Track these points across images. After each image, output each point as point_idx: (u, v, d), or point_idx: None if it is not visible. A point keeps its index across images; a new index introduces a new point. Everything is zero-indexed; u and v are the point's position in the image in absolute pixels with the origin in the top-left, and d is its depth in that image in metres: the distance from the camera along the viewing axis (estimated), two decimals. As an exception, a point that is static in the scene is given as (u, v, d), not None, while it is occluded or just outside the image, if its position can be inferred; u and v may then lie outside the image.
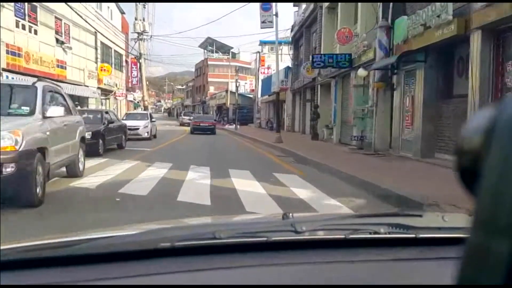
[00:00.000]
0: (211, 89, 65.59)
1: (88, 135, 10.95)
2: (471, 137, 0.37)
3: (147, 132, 18.93)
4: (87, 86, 24.85)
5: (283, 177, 8.85)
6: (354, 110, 14.10)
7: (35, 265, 0.90)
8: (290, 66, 30.64)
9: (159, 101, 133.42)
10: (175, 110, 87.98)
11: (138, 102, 57.74)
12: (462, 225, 1.04)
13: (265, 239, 1.00)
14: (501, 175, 0.33)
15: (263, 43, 42.77)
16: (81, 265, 0.90)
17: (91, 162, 10.71)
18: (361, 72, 13.09)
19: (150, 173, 9.19)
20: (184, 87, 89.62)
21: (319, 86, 20.58)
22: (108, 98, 31.28)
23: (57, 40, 21.21)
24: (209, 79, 66.72)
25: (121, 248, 0.96)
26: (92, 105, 26.68)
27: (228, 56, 68.92)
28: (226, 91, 51.47)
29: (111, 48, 31.58)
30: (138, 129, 18.36)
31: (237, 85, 37.58)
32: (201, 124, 29.19)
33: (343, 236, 1.02)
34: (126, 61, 42.50)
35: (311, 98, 24.73)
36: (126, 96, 39.02)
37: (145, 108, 36.70)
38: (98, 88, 27.83)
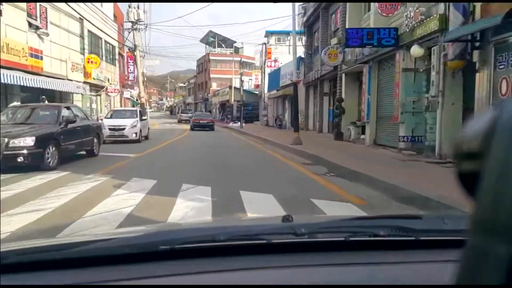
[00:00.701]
0: (214, 86, 62.04)
1: (31, 141, 7.44)
2: (471, 140, 0.37)
3: (135, 133, 15.38)
4: (71, 80, 21.32)
5: (332, 208, 5.32)
6: (403, 103, 10.55)
7: (34, 268, 0.89)
8: (302, 56, 27.04)
9: (161, 99, 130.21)
10: (176, 108, 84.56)
11: (137, 100, 54.37)
12: (462, 228, 1.00)
13: (265, 241, 0.99)
14: (501, 177, 0.33)
15: (269, 33, 39.14)
16: (80, 267, 0.90)
17: (31, 181, 7.18)
18: (416, 50, 9.52)
19: (116, 201, 5.65)
20: (186, 84, 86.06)
21: (343, 75, 16.95)
22: (99, 95, 27.76)
23: (30, 24, 17.63)
24: (212, 75, 63.14)
25: (121, 251, 0.95)
26: (78, 101, 23.16)
27: (231, 51, 65.35)
28: (230, 87, 47.88)
29: (101, 39, 28.02)
30: (123, 129, 14.88)
31: (242, 79, 33.89)
32: (200, 121, 30.42)
33: (343, 239, 1.02)
34: (121, 55, 39.03)
35: (329, 90, 21.12)
36: (121, 93, 35.47)
37: (142, 105, 33.18)
38: (86, 83, 24.32)
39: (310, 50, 24.73)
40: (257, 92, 47.76)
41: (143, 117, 16.47)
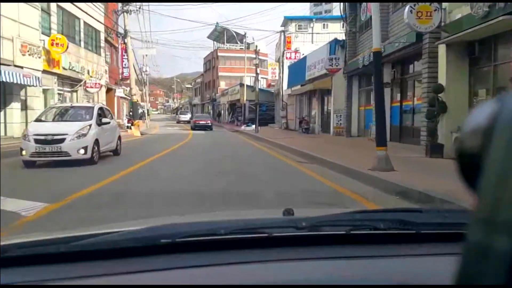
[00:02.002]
0: (222, 85, 55.33)
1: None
2: (472, 133, 0.36)
3: (84, 148, 8.54)
4: (21, 67, 14.72)
5: None
6: None
7: (35, 261, 0.88)
8: (339, 39, 20.19)
9: (167, 101, 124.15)
10: (189, 110, 78.18)
11: (137, 100, 47.81)
12: (462, 221, 0.97)
13: (266, 235, 0.98)
14: (503, 171, 0.32)
15: (288, 19, 32.32)
16: (81, 261, 0.89)
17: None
18: None
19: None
20: (192, 84, 79.49)
21: (442, 48, 9.99)
22: (75, 91, 21.18)
23: None
24: (220, 74, 56.43)
25: (122, 245, 0.93)
26: (37, 98, 16.52)
27: (242, 47, 58.61)
28: (241, 84, 41.11)
29: (78, 19, 21.42)
30: (62, 141, 8.16)
31: (257, 71, 27.06)
32: (200, 122, 31.83)
33: (344, 232, 1.01)
34: (114, 46, 32.48)
35: (393, 79, 14.26)
36: (108, 90, 28.82)
37: (134, 104, 26.57)
38: (50, 73, 17.72)
39: (354, 27, 17.84)
40: (271, 91, 40.98)
41: (105, 120, 9.64)
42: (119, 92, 32.38)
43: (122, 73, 33.98)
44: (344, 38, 19.51)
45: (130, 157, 10.50)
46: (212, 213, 2.71)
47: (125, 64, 34.22)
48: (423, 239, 1.02)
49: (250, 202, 5.28)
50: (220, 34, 58.33)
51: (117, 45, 32.96)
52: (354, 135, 17.72)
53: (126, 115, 27.48)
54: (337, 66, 17.85)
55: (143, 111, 37.51)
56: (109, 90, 30.92)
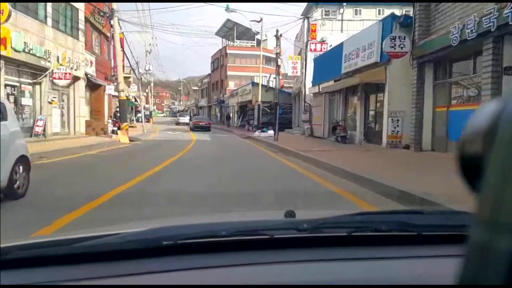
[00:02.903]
0: (231, 85, 49.84)
1: None
2: (473, 134, 0.36)
3: None
4: None
5: None
6: None
7: (37, 263, 0.87)
8: (397, 14, 14.56)
9: (174, 103, 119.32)
10: (188, 112, 72.81)
11: (135, 101, 42.35)
12: (464, 223, 0.95)
13: (267, 236, 0.98)
14: (504, 172, 0.32)
15: (312, 5, 26.67)
16: (83, 263, 0.88)
17: None
18: None
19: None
20: (199, 85, 74.06)
21: None
22: (38, 83, 15.72)
23: None
24: (229, 73, 50.94)
25: (124, 246, 0.92)
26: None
27: (253, 43, 53.13)
28: (253, 83, 35.55)
29: (44, -12, 15.96)
30: None
31: (278, 62, 21.37)
32: (199, 124, 33.37)
33: (345, 234, 1.00)
34: (105, 36, 27.10)
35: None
36: (96, 86, 23.44)
37: (122, 103, 21.14)
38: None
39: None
40: (288, 91, 35.36)
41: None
42: (110, 89, 26.91)
43: (115, 67, 28.62)
44: (403, 14, 13.85)
45: (47, 203, 4.94)
46: (214, 215, 2.69)
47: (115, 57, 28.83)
48: (424, 241, 1.01)
49: None
50: (230, 31, 52.89)
51: (109, 35, 27.61)
52: (427, 149, 12.01)
53: (110, 116, 21.95)
54: (402, 48, 12.17)
55: (143, 113, 31.99)
56: (97, 87, 25.43)
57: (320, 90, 21.08)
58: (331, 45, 24.06)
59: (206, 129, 32.25)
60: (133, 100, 42.62)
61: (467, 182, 0.36)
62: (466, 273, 0.33)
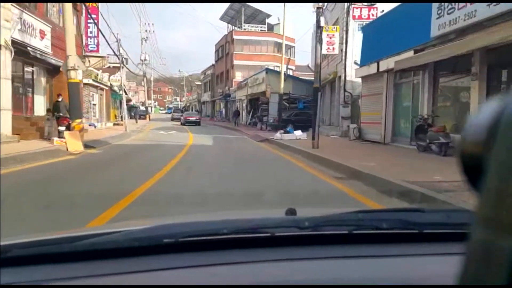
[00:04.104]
0: (238, 77, 42.43)
1: None
2: (475, 133, 0.36)
3: None
4: None
5: None
6: None
7: (37, 261, 0.87)
8: None
9: (175, 99, 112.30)
10: (190, 108, 65.66)
11: (120, 93, 35.07)
12: (465, 221, 0.95)
13: (268, 234, 0.97)
14: (506, 170, 0.32)
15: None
16: (84, 261, 0.88)
17: None
18: None
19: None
20: (201, 77, 66.62)
21: None
22: None
23: None
24: (235, 62, 43.51)
25: (124, 244, 0.92)
26: None
27: (263, 27, 45.62)
28: (267, 71, 28.08)
29: None
30: None
31: (319, 40, 13.64)
32: (190, 118, 33.79)
33: (346, 232, 1.00)
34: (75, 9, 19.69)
35: None
36: (55, 70, 16.08)
37: (72, 87, 13.71)
38: None
39: None
40: (308, 79, 27.92)
41: None
42: (84, 77, 19.54)
43: (87, 45, 21.30)
44: None
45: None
46: (215, 213, 2.57)
47: (91, 32, 21.49)
48: (426, 239, 1.01)
49: None
50: (237, 14, 45.38)
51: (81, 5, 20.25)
52: None
53: (50, 110, 14.54)
54: None
55: (125, 107, 24.66)
56: (59, 71, 18.13)
57: (380, 69, 13.59)
58: (382, 11, 16.66)
59: (196, 123, 32.24)
60: (122, 92, 35.34)
61: (469, 181, 0.36)
62: (468, 272, 0.33)
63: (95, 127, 22.20)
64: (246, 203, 5.00)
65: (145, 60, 52.40)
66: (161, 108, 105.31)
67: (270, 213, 1.77)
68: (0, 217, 3.58)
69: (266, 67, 29.60)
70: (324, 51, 18.43)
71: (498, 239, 0.30)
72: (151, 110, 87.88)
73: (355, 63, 17.92)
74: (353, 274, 0.86)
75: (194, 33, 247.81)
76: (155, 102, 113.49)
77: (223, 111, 45.94)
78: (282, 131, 17.28)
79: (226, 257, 0.91)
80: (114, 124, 29.82)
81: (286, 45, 46.06)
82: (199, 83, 79.38)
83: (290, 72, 32.70)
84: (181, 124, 32.97)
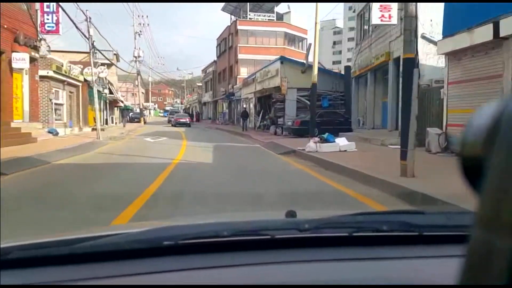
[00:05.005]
0: (243, 73, 36.57)
1: None
2: (474, 134, 0.35)
3: None
4: None
5: None
6: None
7: (37, 263, 0.86)
8: None
9: (176, 102, 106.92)
10: (190, 110, 59.96)
11: (103, 92, 29.09)
12: (466, 223, 0.93)
13: (268, 237, 0.96)
14: (505, 172, 0.32)
15: None
16: (84, 263, 0.87)
17: None
18: None
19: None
20: (202, 76, 60.68)
21: None
22: None
23: None
24: (240, 56, 37.67)
25: (125, 246, 0.91)
26: None
27: (272, 17, 39.78)
28: (282, 60, 22.15)
29: None
30: None
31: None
32: (180, 120, 33.33)
33: (346, 234, 0.99)
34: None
35: None
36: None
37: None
38: None
39: None
40: (336, 72, 22.25)
41: None
42: (21, 60, 13.64)
43: (43, 23, 15.53)
44: None
45: None
46: (215, 215, 2.50)
47: (47, 7, 15.64)
48: (426, 241, 1.00)
49: None
50: (240, 3, 39.52)
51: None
52: None
53: None
54: None
55: (97, 107, 18.87)
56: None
57: (502, 33, 7.65)
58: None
59: (186, 125, 32.25)
60: (104, 90, 29.45)
61: (469, 183, 0.36)
62: (468, 273, 0.33)
63: (56, 134, 16.37)
64: None
65: (139, 57, 46.88)
66: (161, 111, 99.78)
67: (271, 215, 1.73)
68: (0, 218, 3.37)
69: (282, 56, 23.67)
70: (375, 21, 12.51)
71: (498, 240, 0.30)
72: (149, 113, 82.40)
73: (424, 37, 12.02)
74: (353, 276, 0.85)
75: (195, 35, 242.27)
76: (154, 104, 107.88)
77: (226, 112, 40.10)
78: (317, 138, 11.38)
79: (226, 260, 0.90)
80: (93, 129, 24.11)
81: (297, 36, 40.24)
82: (200, 84, 73.56)
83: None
84: (172, 125, 33.24)
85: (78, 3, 15.60)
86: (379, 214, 1.34)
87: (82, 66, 21.29)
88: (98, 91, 27.16)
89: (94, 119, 25.74)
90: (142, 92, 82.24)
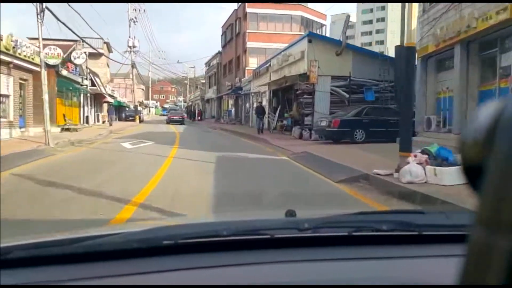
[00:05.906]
0: (252, 64, 30.80)
1: None
2: (475, 134, 0.35)
3: None
4: None
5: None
6: None
7: (37, 263, 0.86)
8: None
9: (179, 100, 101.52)
10: (192, 107, 54.28)
11: (82, 85, 23.41)
12: (465, 223, 0.93)
13: (268, 236, 0.95)
14: (505, 172, 0.31)
15: None
16: (84, 262, 0.86)
17: None
18: None
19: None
20: (205, 70, 54.91)
21: None
22: None
23: None
24: (249, 44, 31.91)
25: (125, 246, 0.90)
26: None
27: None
28: (310, 37, 16.32)
29: None
30: None
31: None
32: (174, 118, 33.48)
33: (346, 233, 0.98)
34: None
35: None
36: None
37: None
38: None
39: None
40: (385, 55, 16.48)
41: None
42: None
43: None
44: None
45: None
46: (214, 215, 2.43)
47: None
48: (425, 241, 0.99)
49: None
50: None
51: None
52: None
53: None
54: None
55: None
56: None
57: None
58: None
59: (180, 122, 32.27)
60: (84, 81, 23.74)
61: (469, 182, 0.36)
62: (467, 273, 0.32)
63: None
64: None
65: (134, 47, 41.22)
66: (163, 109, 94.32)
67: (270, 214, 1.71)
68: None
69: (310, 31, 17.93)
70: None
71: (498, 239, 0.30)
72: (150, 111, 76.71)
73: None
74: (353, 276, 0.85)
75: (199, 37, 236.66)
76: (156, 102, 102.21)
77: (233, 110, 34.40)
78: (422, 155, 5.67)
79: (226, 259, 0.89)
80: (64, 130, 18.57)
81: (315, 22, 34.39)
82: (203, 81, 67.74)
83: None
84: (167, 122, 32.76)
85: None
86: (379, 213, 1.35)
87: (39, 46, 15.61)
88: (73, 81, 21.55)
89: (64, 116, 20.17)
90: (142, 89, 76.87)
